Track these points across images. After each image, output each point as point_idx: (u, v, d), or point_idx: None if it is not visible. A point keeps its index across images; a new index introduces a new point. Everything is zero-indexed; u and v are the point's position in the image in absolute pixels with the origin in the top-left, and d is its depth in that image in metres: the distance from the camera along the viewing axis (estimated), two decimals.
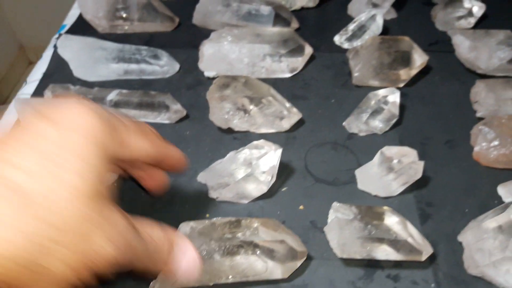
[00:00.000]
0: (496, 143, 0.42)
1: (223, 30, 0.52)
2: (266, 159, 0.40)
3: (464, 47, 0.49)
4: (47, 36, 1.52)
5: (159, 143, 0.28)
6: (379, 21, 0.54)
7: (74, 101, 0.22)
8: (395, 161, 0.40)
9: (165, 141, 0.29)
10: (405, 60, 0.49)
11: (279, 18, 0.56)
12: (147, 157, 0.27)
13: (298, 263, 0.35)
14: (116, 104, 0.46)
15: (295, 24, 0.57)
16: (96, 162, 0.20)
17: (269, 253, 0.34)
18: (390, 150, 0.41)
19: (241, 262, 0.33)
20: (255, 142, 0.41)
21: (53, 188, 0.18)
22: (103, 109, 0.23)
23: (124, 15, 0.56)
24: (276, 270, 0.34)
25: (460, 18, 0.57)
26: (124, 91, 0.47)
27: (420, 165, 0.39)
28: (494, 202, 0.39)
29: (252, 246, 0.33)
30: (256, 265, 0.33)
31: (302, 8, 0.61)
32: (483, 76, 0.50)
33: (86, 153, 0.20)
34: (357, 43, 0.55)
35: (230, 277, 0.33)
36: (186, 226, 0.35)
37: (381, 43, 0.50)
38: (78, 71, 0.50)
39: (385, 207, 0.36)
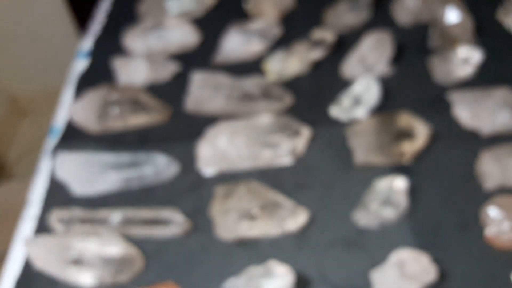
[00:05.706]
0: (506, 227, 0.42)
1: (218, 128, 0.51)
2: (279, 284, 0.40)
3: (466, 114, 0.48)
4: (38, 86, 1.48)
5: None
6: (375, 90, 0.53)
7: None
8: (409, 266, 0.40)
9: None
10: (407, 135, 0.48)
11: (270, 98, 0.55)
12: None
13: None
14: (122, 224, 0.47)
15: (288, 100, 0.56)
16: None
17: None
18: (403, 253, 0.41)
19: None
20: (267, 265, 0.41)
21: None
22: None
23: (116, 112, 0.55)
24: None
25: (457, 69, 0.56)
26: (129, 211, 0.47)
27: (433, 268, 0.40)
28: None
29: None
30: None
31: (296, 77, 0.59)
32: (487, 141, 0.49)
33: None
34: (355, 112, 0.53)
35: None
36: None
37: (380, 122, 0.49)
38: (78, 189, 0.50)
39: None
